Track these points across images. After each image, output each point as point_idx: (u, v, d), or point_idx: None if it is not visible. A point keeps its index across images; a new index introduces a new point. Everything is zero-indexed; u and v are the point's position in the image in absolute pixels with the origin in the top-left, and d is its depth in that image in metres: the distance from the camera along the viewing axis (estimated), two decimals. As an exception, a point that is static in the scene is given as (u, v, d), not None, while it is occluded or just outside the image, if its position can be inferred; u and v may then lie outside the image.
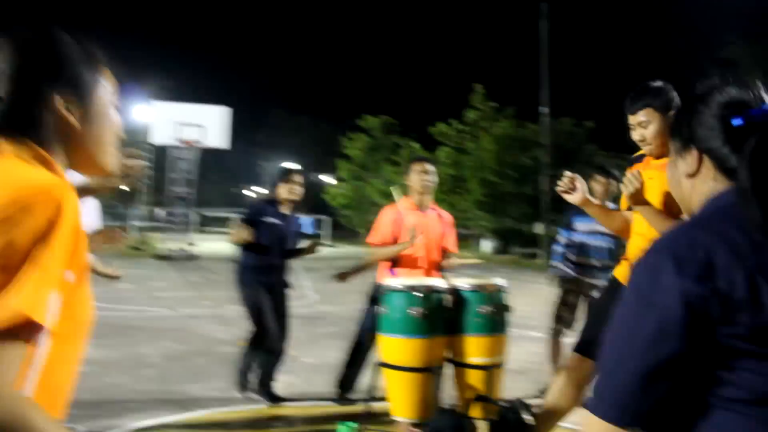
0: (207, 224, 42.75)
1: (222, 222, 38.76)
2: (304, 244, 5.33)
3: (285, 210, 5.14)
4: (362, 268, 5.04)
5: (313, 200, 34.24)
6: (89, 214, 3.83)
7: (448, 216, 4.92)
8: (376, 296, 4.33)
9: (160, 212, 30.54)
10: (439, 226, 4.77)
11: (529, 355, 5.82)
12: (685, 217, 1.30)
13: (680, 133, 1.28)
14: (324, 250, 5.93)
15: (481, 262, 7.33)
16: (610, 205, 4.98)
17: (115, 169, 1.28)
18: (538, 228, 25.89)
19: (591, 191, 4.32)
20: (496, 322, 3.96)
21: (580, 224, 5.43)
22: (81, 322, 1.10)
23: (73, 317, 1.05)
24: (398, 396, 3.86)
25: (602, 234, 5.31)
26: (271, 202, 5.16)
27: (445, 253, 4.76)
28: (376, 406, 4.25)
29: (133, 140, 26.43)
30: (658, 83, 3.16)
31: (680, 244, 1.11)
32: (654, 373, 1.06)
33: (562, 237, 5.67)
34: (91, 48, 1.21)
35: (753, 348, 1.04)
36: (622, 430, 1.09)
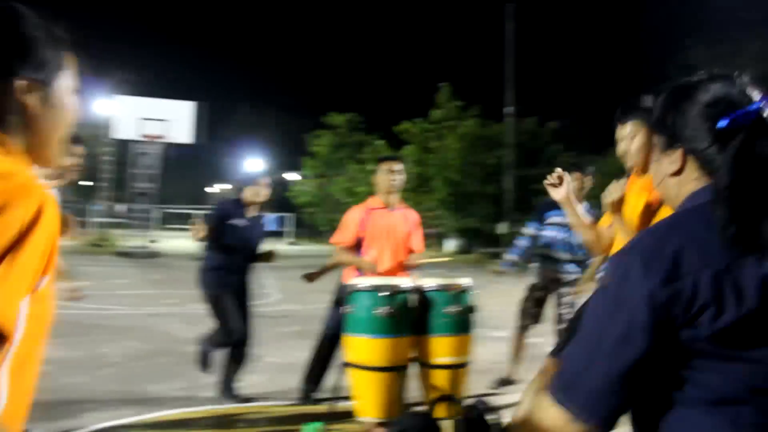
0: (170, 221, 42.17)
1: (185, 219, 38.31)
2: (264, 249, 5.31)
3: (251, 212, 5.12)
4: (329, 268, 5.04)
5: (278, 198, 34.08)
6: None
7: (415, 215, 4.93)
8: (342, 296, 4.33)
9: (121, 208, 30.05)
10: (405, 226, 4.78)
11: (492, 355, 5.86)
12: None
13: (665, 131, 1.26)
14: (288, 248, 5.90)
15: (451, 260, 7.38)
16: (584, 205, 5.05)
17: (61, 162, 1.20)
18: (502, 227, 26.10)
19: None
20: (461, 322, 3.98)
21: (552, 218, 5.47)
22: (45, 322, 1.07)
23: (38, 318, 1.01)
24: (363, 396, 3.86)
25: (570, 229, 5.37)
26: (237, 203, 5.13)
27: (411, 252, 4.78)
28: (341, 405, 4.25)
29: (94, 134, 26.00)
30: (650, 98, 3.17)
31: (649, 246, 1.12)
32: (622, 375, 1.08)
33: (530, 230, 5.70)
34: (57, 30, 1.13)
35: (716, 349, 1.05)
36: (585, 427, 1.10)
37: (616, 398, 1.10)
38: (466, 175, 28.96)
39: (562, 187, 3.35)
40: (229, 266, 4.99)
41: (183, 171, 48.64)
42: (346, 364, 3.99)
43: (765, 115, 1.13)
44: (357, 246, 4.70)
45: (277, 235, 36.54)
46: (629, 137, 3.08)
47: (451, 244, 31.13)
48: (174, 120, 21.73)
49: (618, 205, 3.09)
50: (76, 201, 29.91)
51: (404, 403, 3.94)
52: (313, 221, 39.86)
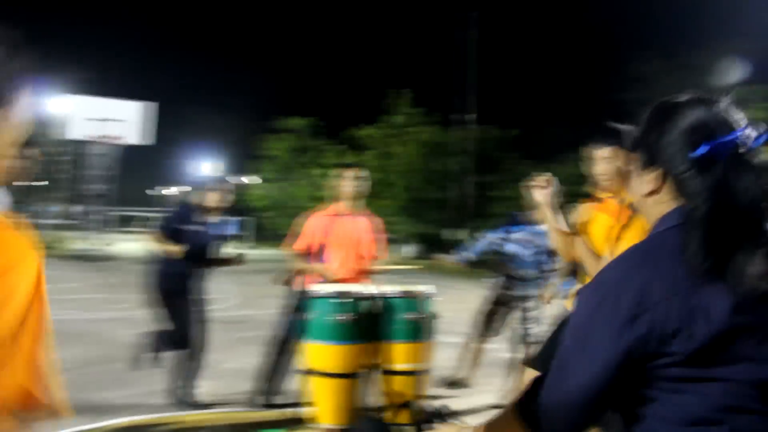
0: (126, 223, 41.45)
1: (142, 221, 37.68)
2: (221, 254, 5.25)
3: (208, 217, 5.07)
4: (298, 273, 4.98)
5: (235, 201, 33.71)
6: None
7: (377, 221, 4.94)
8: (301, 302, 4.31)
9: (75, 210, 29.39)
10: (367, 232, 4.78)
11: (451, 361, 5.89)
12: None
13: (645, 150, 1.26)
14: (247, 252, 5.86)
15: (417, 269, 7.41)
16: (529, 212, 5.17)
17: (10, 175, 1.15)
18: (461, 234, 26.28)
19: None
20: (422, 329, 4.00)
21: (516, 234, 5.53)
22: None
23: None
24: (322, 402, 3.85)
25: (536, 246, 5.43)
26: (194, 208, 5.08)
27: (373, 258, 4.79)
28: (300, 411, 4.23)
29: (48, 134, 25.37)
30: (630, 125, 3.21)
31: (615, 283, 1.13)
32: (590, 402, 1.12)
33: (492, 236, 5.74)
34: (14, 41, 1.06)
35: (688, 372, 1.08)
36: None
37: (581, 419, 1.15)
38: (425, 181, 29.08)
39: (546, 190, 3.37)
40: (182, 271, 4.94)
41: (138, 173, 47.86)
42: (305, 371, 3.97)
43: (742, 145, 1.15)
44: (314, 252, 4.68)
45: (236, 238, 36.17)
46: (607, 161, 3.11)
47: (409, 250, 31.18)
48: (130, 121, 21.34)
49: (582, 228, 3.16)
50: (29, 203, 29.18)
51: (362, 409, 3.94)
52: (272, 225, 39.54)
